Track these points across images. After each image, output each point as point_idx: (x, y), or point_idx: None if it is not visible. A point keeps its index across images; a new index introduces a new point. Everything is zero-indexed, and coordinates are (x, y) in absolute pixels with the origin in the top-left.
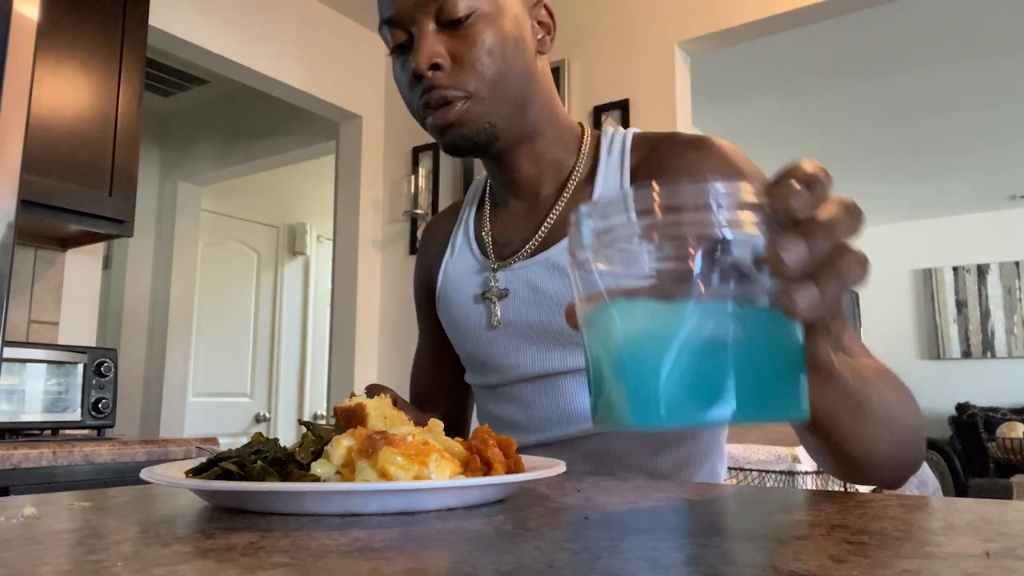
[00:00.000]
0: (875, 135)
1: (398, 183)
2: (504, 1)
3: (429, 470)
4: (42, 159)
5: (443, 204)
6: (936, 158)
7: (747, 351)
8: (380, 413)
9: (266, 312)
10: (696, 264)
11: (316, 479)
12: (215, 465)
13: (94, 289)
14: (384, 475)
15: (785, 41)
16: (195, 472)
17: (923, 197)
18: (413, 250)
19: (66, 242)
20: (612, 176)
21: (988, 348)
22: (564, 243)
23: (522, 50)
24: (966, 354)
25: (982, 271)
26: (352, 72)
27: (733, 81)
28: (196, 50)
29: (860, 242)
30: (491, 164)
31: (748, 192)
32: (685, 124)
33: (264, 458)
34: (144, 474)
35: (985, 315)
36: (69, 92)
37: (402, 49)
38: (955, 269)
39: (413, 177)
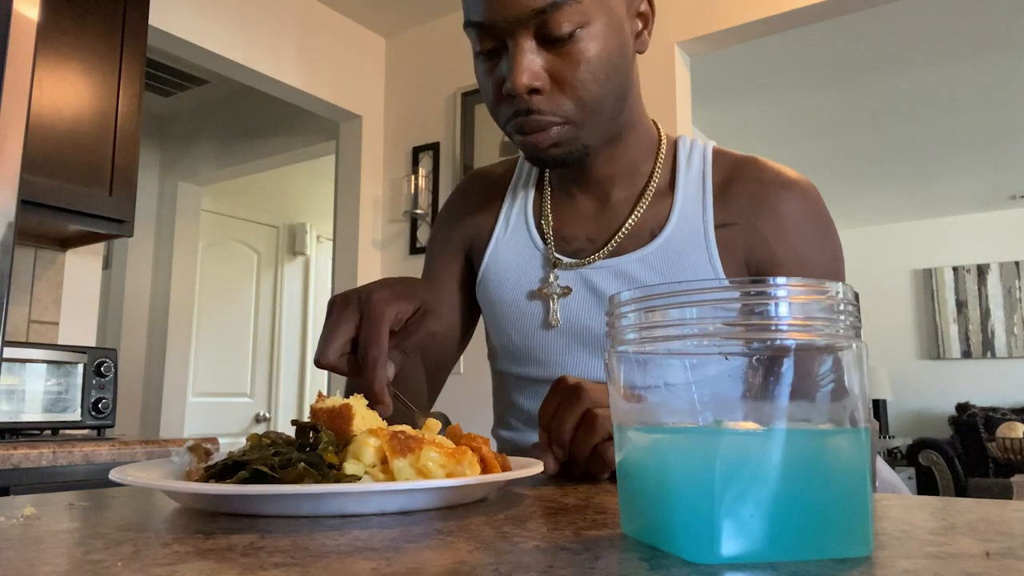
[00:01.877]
0: (875, 135)
1: (398, 183)
2: (609, 4)
3: (463, 468)
4: (42, 159)
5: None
6: (936, 158)
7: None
8: (360, 414)
9: (266, 312)
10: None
11: (357, 479)
12: (238, 467)
13: (94, 289)
14: (424, 473)
15: (785, 41)
16: (217, 476)
17: (923, 197)
18: (413, 250)
19: (66, 242)
20: (692, 192)
21: (988, 348)
22: (637, 253)
23: (623, 61)
24: (966, 354)
25: (982, 271)
26: (352, 72)
27: (733, 81)
28: (196, 50)
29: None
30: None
31: (807, 291)
32: (685, 124)
33: (290, 459)
34: (114, 474)
35: (985, 315)
36: (69, 92)
37: (491, 55)
38: (955, 269)
39: (413, 177)
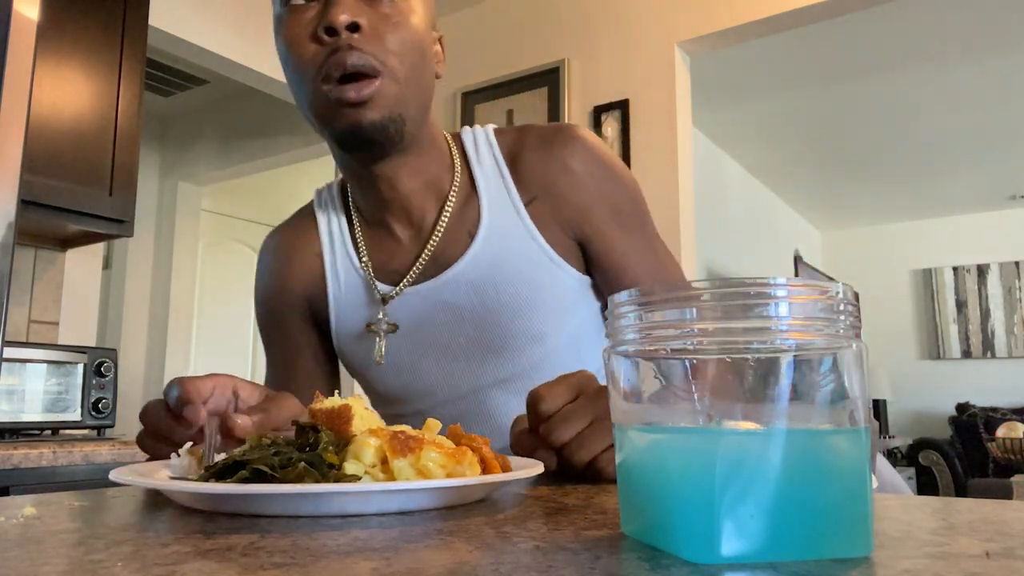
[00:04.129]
0: (875, 135)
1: None
2: (420, 6)
3: (463, 468)
4: (42, 159)
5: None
6: (936, 158)
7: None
8: (360, 415)
9: None
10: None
11: (357, 479)
12: (238, 467)
13: (94, 289)
14: (424, 473)
15: (785, 41)
16: (217, 476)
17: (923, 197)
18: None
19: (66, 242)
20: (493, 184)
21: (988, 348)
22: (464, 258)
23: (431, 55)
24: (966, 354)
25: (982, 271)
26: None
27: (733, 81)
28: (196, 50)
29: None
30: (365, 173)
31: (807, 292)
32: (685, 124)
33: (290, 459)
34: (114, 475)
35: (985, 315)
36: (69, 92)
37: (303, 8)
38: (955, 269)
39: None
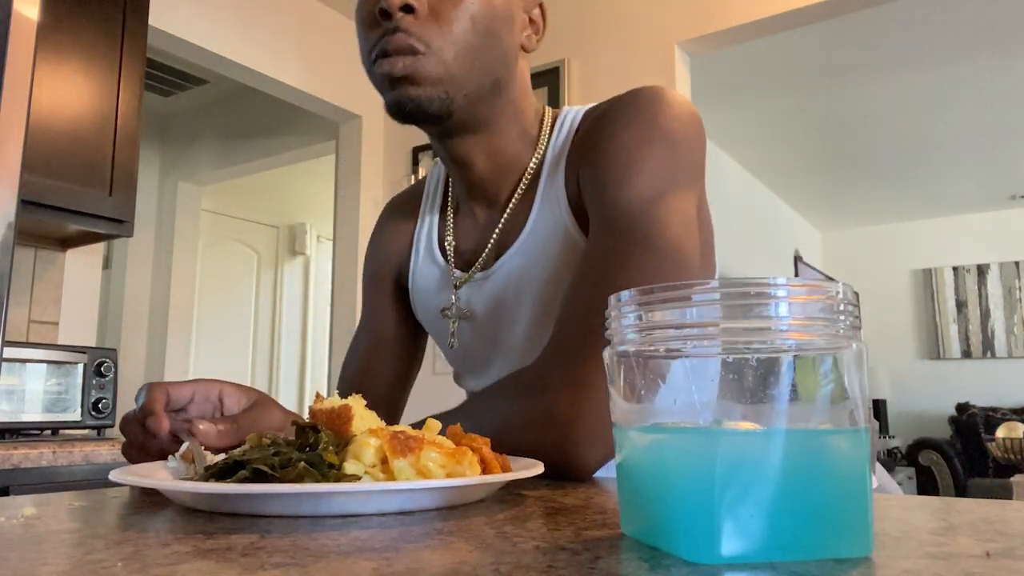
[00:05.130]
0: (875, 135)
1: (398, 183)
2: None
3: (463, 468)
4: (42, 159)
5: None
6: (936, 158)
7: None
8: (359, 415)
9: (266, 312)
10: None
11: (357, 479)
12: (238, 467)
13: (94, 289)
14: (424, 473)
15: (785, 41)
16: (217, 476)
17: (923, 197)
18: None
19: (66, 242)
20: (553, 164)
21: (988, 348)
22: (513, 247)
23: (507, 32)
24: (966, 354)
25: (982, 271)
26: (352, 72)
27: (733, 81)
28: (196, 50)
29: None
30: (445, 154)
31: (806, 291)
32: None
33: (290, 459)
34: (114, 475)
35: (985, 315)
36: (69, 92)
37: None
38: (955, 269)
39: (413, 177)
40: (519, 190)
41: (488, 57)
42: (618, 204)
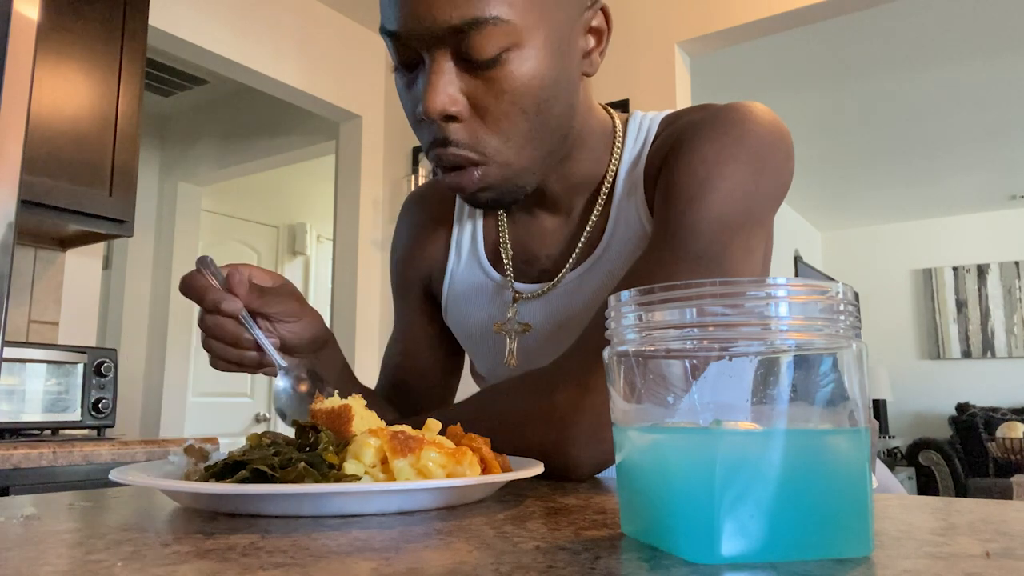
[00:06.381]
0: (875, 135)
1: (398, 183)
2: (548, 15)
3: (463, 468)
4: (42, 159)
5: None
6: (936, 158)
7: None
8: (359, 415)
9: None
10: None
11: (357, 479)
12: (238, 467)
13: (94, 289)
14: (424, 473)
15: (785, 41)
16: (217, 476)
17: (923, 197)
18: None
19: (66, 242)
20: (629, 174)
21: (988, 348)
22: (589, 260)
23: (564, 88)
24: (966, 354)
25: (982, 271)
26: (352, 72)
27: (733, 81)
28: (196, 50)
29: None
30: None
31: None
32: None
33: (290, 459)
34: (114, 475)
35: (985, 315)
36: (69, 92)
37: (409, 67)
38: (955, 269)
39: (413, 177)
40: (598, 204)
41: (551, 126)
42: (684, 220)
